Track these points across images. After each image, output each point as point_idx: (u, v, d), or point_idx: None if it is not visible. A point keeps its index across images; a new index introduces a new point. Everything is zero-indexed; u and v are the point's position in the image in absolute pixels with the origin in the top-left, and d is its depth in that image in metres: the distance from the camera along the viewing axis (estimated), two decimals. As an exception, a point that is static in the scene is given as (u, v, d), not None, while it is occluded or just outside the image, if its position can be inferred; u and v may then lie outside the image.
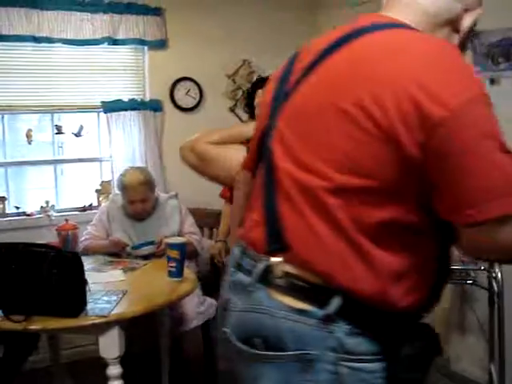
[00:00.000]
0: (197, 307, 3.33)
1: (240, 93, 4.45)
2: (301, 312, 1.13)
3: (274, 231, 1.20)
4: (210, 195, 4.02)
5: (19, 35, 3.75)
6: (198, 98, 4.37)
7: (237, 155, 1.73)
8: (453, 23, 1.23)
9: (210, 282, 3.48)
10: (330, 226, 1.12)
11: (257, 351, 1.16)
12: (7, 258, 2.35)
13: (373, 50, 1.12)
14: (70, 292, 2.33)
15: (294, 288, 1.15)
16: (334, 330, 1.11)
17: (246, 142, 1.82)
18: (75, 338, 3.75)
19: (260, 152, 1.33)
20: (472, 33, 1.27)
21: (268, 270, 1.19)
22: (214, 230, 3.92)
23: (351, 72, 1.12)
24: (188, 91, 4.32)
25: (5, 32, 3.71)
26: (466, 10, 1.23)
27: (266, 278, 1.18)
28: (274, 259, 1.18)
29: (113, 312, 2.40)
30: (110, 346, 2.42)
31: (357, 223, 1.10)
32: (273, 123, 1.27)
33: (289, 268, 1.16)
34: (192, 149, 1.92)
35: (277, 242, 1.19)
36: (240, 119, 4.49)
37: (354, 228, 1.10)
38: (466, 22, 1.23)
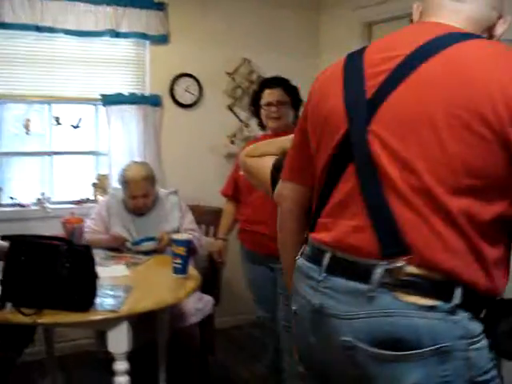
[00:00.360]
0: (195, 304, 3.33)
1: (239, 91, 4.45)
2: (430, 308, 1.19)
3: (389, 235, 1.23)
4: (208, 192, 4.04)
5: (22, 24, 3.71)
6: (197, 95, 4.36)
7: (268, 164, 1.92)
8: (489, 30, 1.35)
9: (208, 280, 3.48)
10: (450, 226, 1.19)
11: (397, 353, 1.21)
12: (17, 250, 2.33)
13: (473, 57, 1.20)
14: (81, 286, 2.32)
15: (419, 287, 1.20)
16: (458, 320, 1.19)
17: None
18: (69, 331, 3.73)
19: (335, 158, 1.35)
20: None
21: (389, 273, 1.22)
22: (211, 227, 3.93)
23: (456, 79, 1.18)
24: (188, 87, 4.31)
25: (7, 20, 3.67)
26: (500, 18, 1.35)
27: (388, 281, 1.21)
28: (395, 262, 1.21)
29: (122, 307, 2.39)
30: (119, 341, 2.41)
31: (472, 221, 1.19)
32: (361, 128, 1.28)
33: (411, 269, 1.21)
34: (239, 159, 2.16)
35: (394, 245, 1.22)
36: (238, 118, 4.49)
37: (470, 226, 1.19)
38: (499, 29, 1.36)
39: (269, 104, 3.16)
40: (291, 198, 1.60)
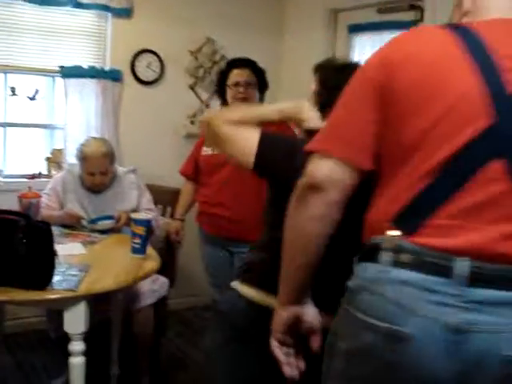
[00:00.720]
0: (151, 285, 3.27)
1: (202, 71, 4.37)
2: None
3: None
4: (166, 172, 3.98)
5: (-22, -12, 3.55)
6: (158, 72, 4.26)
7: (253, 139, 1.70)
8: None
9: (164, 261, 3.42)
10: None
11: None
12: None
13: None
14: (39, 263, 2.23)
15: None
16: None
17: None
18: (20, 309, 3.63)
19: (469, 152, 1.18)
20: None
21: None
22: (169, 208, 3.86)
23: None
24: (149, 64, 4.21)
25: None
26: None
27: None
28: None
29: (80, 287, 2.32)
30: (76, 321, 2.34)
31: None
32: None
33: None
34: (208, 124, 1.79)
35: None
36: (199, 98, 4.42)
37: None
38: None
39: (236, 84, 3.12)
40: (344, 184, 1.27)
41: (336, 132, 1.31)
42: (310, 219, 1.30)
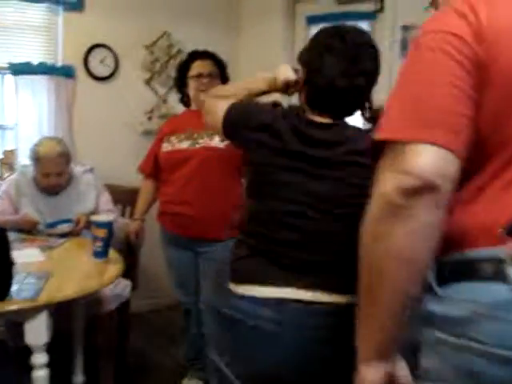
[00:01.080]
0: (113, 289, 3.14)
1: (158, 65, 4.24)
2: None
3: None
4: (123, 171, 3.85)
5: None
6: (113, 67, 4.11)
7: (224, 105, 1.79)
8: None
9: (125, 263, 3.30)
10: None
11: None
12: None
13: None
14: (-4, 273, 2.10)
15: None
16: None
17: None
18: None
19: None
20: None
21: None
22: (128, 207, 3.73)
23: None
24: (103, 59, 4.05)
25: None
26: None
27: None
28: None
29: (41, 296, 2.19)
30: (37, 332, 2.22)
31: None
32: None
33: None
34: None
35: None
36: (156, 93, 4.29)
37: None
38: None
39: (199, 75, 3.01)
40: (454, 178, 1.01)
41: (422, 113, 1.02)
42: (418, 233, 1.00)
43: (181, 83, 3.15)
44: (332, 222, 1.64)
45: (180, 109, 3.35)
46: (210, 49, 3.19)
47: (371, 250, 1.04)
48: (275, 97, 1.96)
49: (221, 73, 3.11)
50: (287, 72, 1.84)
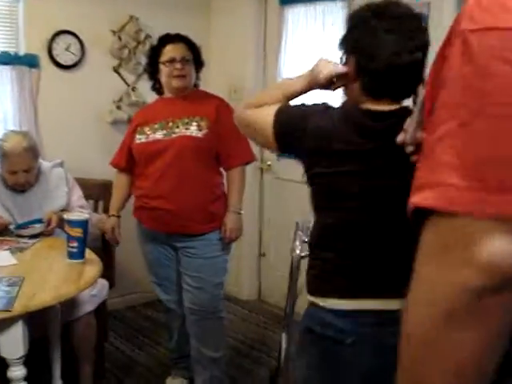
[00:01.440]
0: (89, 290, 2.98)
1: (126, 52, 4.06)
2: None
3: None
4: (93, 163, 3.71)
5: None
6: (79, 55, 3.91)
7: (267, 115, 1.61)
8: None
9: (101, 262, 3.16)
10: None
11: None
12: None
13: None
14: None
15: None
16: None
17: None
18: None
19: None
20: None
21: None
22: (100, 202, 3.56)
23: None
24: (68, 47, 3.85)
25: None
26: None
27: None
28: None
29: (15, 305, 2.04)
30: (13, 344, 2.08)
31: None
32: None
33: None
34: (235, 112, 1.78)
35: None
36: (125, 81, 4.11)
37: None
38: None
39: (172, 60, 2.85)
40: None
41: (501, 174, 0.68)
42: (490, 343, 0.72)
43: (152, 69, 2.99)
44: (399, 231, 1.45)
45: (151, 96, 3.19)
46: (181, 33, 3.02)
47: (421, 362, 0.76)
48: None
49: (195, 57, 2.96)
50: (330, 65, 1.63)
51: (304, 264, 3.06)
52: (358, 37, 1.54)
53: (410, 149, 1.08)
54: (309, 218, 3.25)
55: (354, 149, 1.52)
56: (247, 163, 3.02)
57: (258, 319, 4.15)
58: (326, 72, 1.61)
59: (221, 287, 2.99)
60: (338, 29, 3.75)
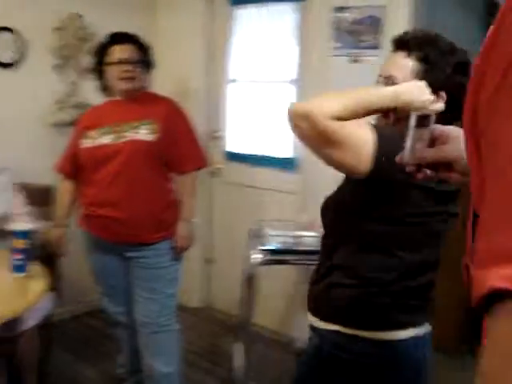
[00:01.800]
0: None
1: (69, 50, 3.88)
2: None
3: None
4: (34, 167, 3.53)
5: None
6: (18, 53, 3.71)
7: (368, 138, 1.40)
8: None
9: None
10: None
11: None
12: None
13: None
14: None
15: None
16: None
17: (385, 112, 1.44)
18: None
19: None
20: None
21: None
22: (42, 209, 3.38)
23: None
24: (7, 44, 3.65)
25: None
26: None
27: None
28: None
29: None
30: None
31: None
32: None
33: None
34: (307, 118, 1.39)
35: None
36: (67, 80, 3.93)
37: None
38: None
39: (120, 62, 2.72)
40: None
41: None
42: None
43: (98, 70, 2.85)
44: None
45: (95, 98, 3.05)
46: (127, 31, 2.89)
47: None
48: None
49: (144, 58, 2.85)
50: (427, 95, 1.41)
51: (259, 271, 3.00)
52: (447, 77, 1.51)
53: (410, 168, 1.01)
54: (259, 223, 3.19)
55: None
56: (200, 168, 2.93)
57: (207, 328, 4.05)
58: (423, 99, 1.40)
59: (173, 298, 2.88)
60: (290, 31, 3.70)
